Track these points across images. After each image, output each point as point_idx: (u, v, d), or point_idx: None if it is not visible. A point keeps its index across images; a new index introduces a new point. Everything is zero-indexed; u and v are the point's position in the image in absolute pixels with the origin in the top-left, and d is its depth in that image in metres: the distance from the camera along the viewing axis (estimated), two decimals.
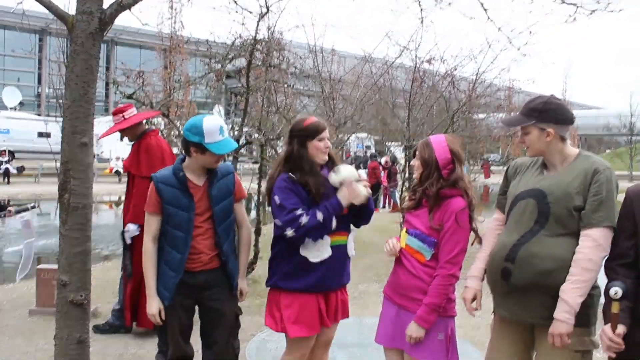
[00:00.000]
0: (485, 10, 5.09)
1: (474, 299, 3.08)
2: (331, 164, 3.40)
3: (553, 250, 2.77)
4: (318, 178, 3.28)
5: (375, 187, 18.15)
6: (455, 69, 10.10)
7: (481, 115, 13.26)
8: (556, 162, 2.91)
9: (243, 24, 6.86)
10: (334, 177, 3.26)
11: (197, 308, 3.56)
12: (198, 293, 3.46)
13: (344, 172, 3.27)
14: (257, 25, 6.85)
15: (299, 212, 3.16)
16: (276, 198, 3.23)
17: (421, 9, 5.52)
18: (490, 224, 3.23)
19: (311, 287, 3.29)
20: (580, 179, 2.79)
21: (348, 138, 10.38)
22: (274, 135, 7.43)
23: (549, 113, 2.87)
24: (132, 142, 5.23)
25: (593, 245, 2.69)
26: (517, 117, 3.00)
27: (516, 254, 2.82)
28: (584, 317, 2.74)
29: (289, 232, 3.16)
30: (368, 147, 36.09)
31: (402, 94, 11.81)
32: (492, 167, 24.48)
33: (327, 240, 3.27)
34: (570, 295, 2.65)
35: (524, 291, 2.81)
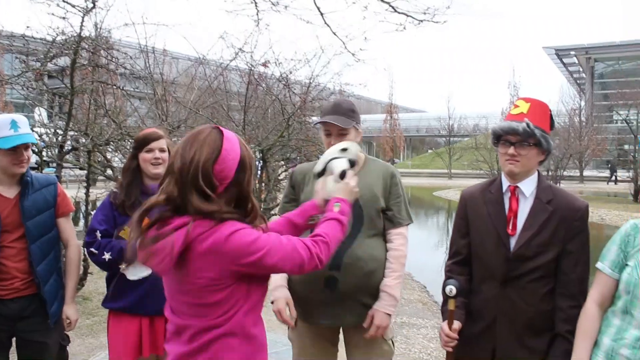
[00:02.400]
0: (322, 14, 5.15)
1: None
2: None
3: (373, 251, 2.92)
4: (136, 190, 3.14)
5: None
6: (291, 73, 10.18)
7: (315, 118, 13.53)
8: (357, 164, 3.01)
9: (64, 17, 6.28)
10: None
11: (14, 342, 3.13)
12: (12, 324, 3.03)
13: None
14: (82, 21, 6.34)
15: (99, 233, 3.06)
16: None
17: (257, 11, 5.45)
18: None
19: (129, 308, 3.07)
20: (381, 182, 3.01)
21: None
22: (103, 140, 6.95)
23: (359, 115, 3.04)
24: None
25: (405, 242, 3.02)
26: (341, 118, 2.94)
27: (341, 261, 2.84)
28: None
29: (107, 256, 3.04)
30: None
31: (237, 97, 11.69)
32: None
33: None
34: (396, 290, 2.89)
35: (349, 295, 2.88)
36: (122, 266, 3.08)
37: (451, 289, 2.59)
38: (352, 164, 2.55)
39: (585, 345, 2.37)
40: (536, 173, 2.67)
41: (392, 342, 3.10)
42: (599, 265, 2.44)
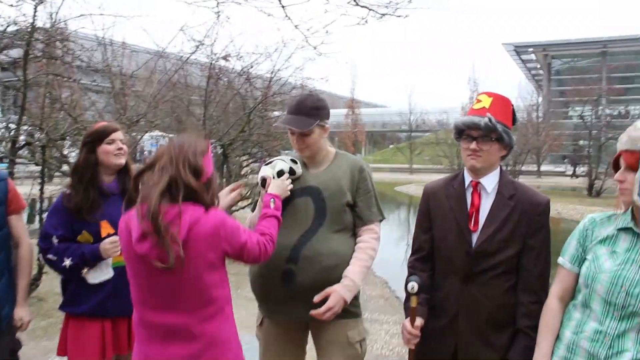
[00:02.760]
0: (283, 7, 5.09)
1: None
2: (126, 171, 3.14)
3: (335, 246, 2.85)
4: (93, 191, 3.03)
5: None
6: (252, 67, 10.10)
7: (276, 113, 13.47)
8: (322, 159, 2.98)
9: (12, 5, 6.06)
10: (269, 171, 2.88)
11: None
12: None
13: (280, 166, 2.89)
14: (35, 10, 6.14)
15: (55, 239, 2.96)
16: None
17: (218, 3, 5.35)
18: None
19: (90, 312, 2.99)
20: (348, 176, 2.93)
21: (141, 137, 9.86)
22: (58, 135, 6.75)
23: (326, 110, 2.95)
24: None
25: (376, 237, 2.95)
26: (302, 118, 2.86)
27: (299, 254, 2.79)
28: (358, 309, 2.97)
29: (67, 262, 2.94)
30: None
31: (197, 91, 11.54)
32: None
33: (108, 260, 3.01)
34: (357, 276, 2.81)
35: (307, 290, 2.78)
36: (84, 270, 2.98)
37: (413, 286, 2.55)
38: (292, 172, 2.87)
39: (548, 340, 2.38)
40: (498, 168, 2.66)
41: (361, 345, 2.95)
42: (559, 260, 2.45)
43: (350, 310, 2.89)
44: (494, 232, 2.53)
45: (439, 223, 2.71)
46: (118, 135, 3.11)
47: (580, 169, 30.88)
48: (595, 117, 32.68)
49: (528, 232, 2.53)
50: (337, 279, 2.80)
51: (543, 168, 45.54)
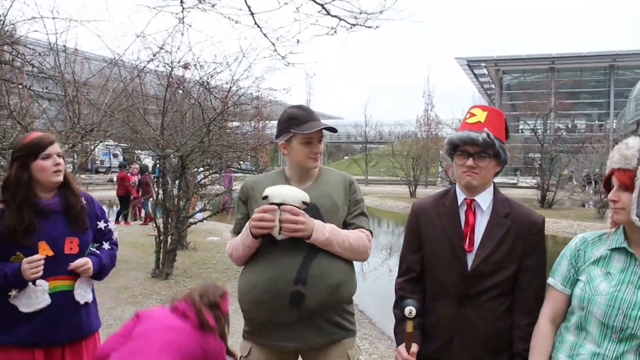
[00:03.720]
0: (252, 14, 4.91)
1: None
2: (67, 185, 2.86)
3: (338, 262, 2.72)
4: (28, 211, 2.70)
5: (125, 198, 17.23)
6: (212, 76, 9.85)
7: (236, 124, 13.26)
8: (310, 175, 2.86)
9: None
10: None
11: None
12: None
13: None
14: None
15: None
16: None
17: (183, 8, 5.14)
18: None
19: (21, 342, 2.67)
20: (341, 190, 2.84)
21: (95, 146, 9.53)
22: (7, 144, 6.40)
23: None
24: None
25: (364, 236, 2.81)
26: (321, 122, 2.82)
27: (307, 274, 2.62)
28: (354, 326, 2.86)
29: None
30: (116, 156, 34.39)
31: (154, 100, 11.23)
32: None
33: (44, 285, 2.69)
34: (334, 231, 2.67)
35: (316, 312, 2.64)
36: (12, 293, 2.67)
37: (411, 310, 2.40)
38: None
39: None
40: (492, 185, 2.56)
41: None
42: (550, 281, 2.37)
43: (348, 328, 2.79)
44: (491, 252, 2.42)
45: (430, 243, 2.57)
46: (55, 148, 2.78)
47: (531, 181, 31.49)
48: (545, 130, 33.44)
49: (524, 253, 2.42)
50: (344, 299, 2.74)
51: (496, 180, 46.39)
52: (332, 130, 2.89)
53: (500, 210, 2.47)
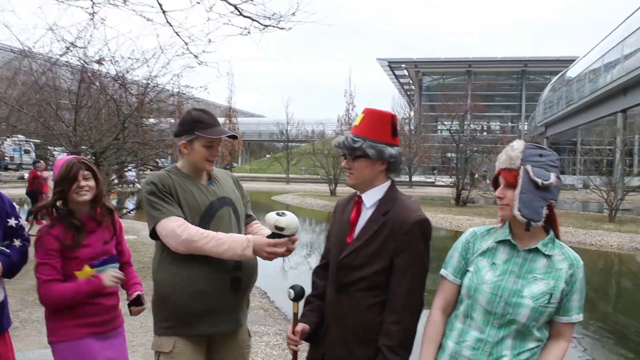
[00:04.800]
0: (164, 12, 4.89)
1: None
2: None
3: None
4: None
5: (35, 195, 16.56)
6: (128, 72, 9.66)
7: (152, 121, 13.02)
8: (206, 172, 3.02)
9: None
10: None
11: None
12: None
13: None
14: None
15: None
16: None
17: (93, 3, 5.05)
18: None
19: None
20: (233, 184, 3.13)
21: (2, 142, 9.14)
22: None
23: None
24: None
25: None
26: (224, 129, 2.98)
27: (241, 261, 2.85)
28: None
29: None
30: (27, 152, 32.95)
31: (67, 95, 10.88)
32: None
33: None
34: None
35: (245, 295, 2.97)
36: None
37: (289, 293, 2.68)
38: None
39: (430, 350, 2.44)
40: (386, 184, 2.65)
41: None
42: (442, 272, 2.52)
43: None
44: (361, 246, 2.55)
45: (332, 233, 2.76)
46: None
47: (448, 180, 32.47)
48: (461, 131, 34.55)
49: (395, 251, 2.50)
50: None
51: (414, 178, 47.60)
52: (234, 137, 3.03)
53: (382, 208, 2.58)
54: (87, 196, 2.98)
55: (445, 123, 39.99)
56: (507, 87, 72.05)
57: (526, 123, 66.97)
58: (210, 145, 2.89)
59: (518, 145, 2.36)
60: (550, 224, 2.36)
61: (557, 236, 2.38)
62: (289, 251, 2.74)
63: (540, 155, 2.32)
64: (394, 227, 2.49)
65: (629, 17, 28.58)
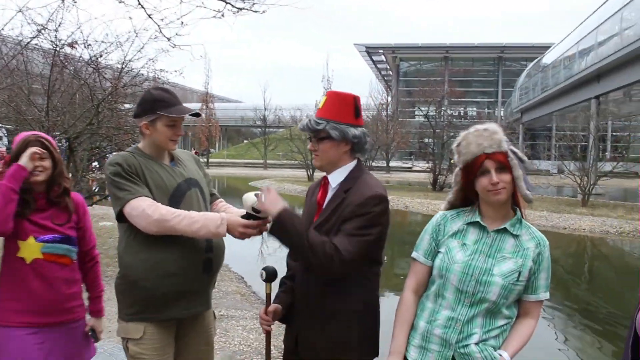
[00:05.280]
0: None
1: None
2: None
3: None
4: None
5: None
6: (101, 56, 9.52)
7: (127, 106, 12.88)
8: (168, 152, 2.99)
9: None
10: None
11: None
12: None
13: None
14: None
15: None
16: None
17: None
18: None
19: None
20: (195, 164, 3.11)
21: None
22: None
23: None
24: None
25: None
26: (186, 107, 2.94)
27: (212, 242, 2.85)
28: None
29: None
30: (0, 138, 32.38)
31: (39, 79, 10.70)
32: None
33: None
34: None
35: (215, 276, 2.97)
36: None
37: (262, 274, 2.77)
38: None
39: (402, 331, 2.49)
40: (351, 164, 2.68)
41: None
42: (413, 254, 2.56)
43: None
44: (322, 223, 2.58)
45: (303, 216, 2.78)
46: None
47: (424, 165, 32.71)
48: (438, 117, 34.78)
49: (345, 219, 2.50)
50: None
51: (392, 164, 47.83)
52: (197, 115, 3.00)
53: (344, 186, 2.62)
54: (40, 177, 2.87)
55: (423, 109, 40.20)
56: (483, 73, 72.60)
57: (502, 109, 67.61)
58: (174, 125, 2.85)
59: (496, 128, 2.39)
60: (516, 204, 2.44)
61: (522, 216, 2.45)
62: (260, 232, 2.72)
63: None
64: (352, 201, 2.51)
65: (603, 3, 28.91)
